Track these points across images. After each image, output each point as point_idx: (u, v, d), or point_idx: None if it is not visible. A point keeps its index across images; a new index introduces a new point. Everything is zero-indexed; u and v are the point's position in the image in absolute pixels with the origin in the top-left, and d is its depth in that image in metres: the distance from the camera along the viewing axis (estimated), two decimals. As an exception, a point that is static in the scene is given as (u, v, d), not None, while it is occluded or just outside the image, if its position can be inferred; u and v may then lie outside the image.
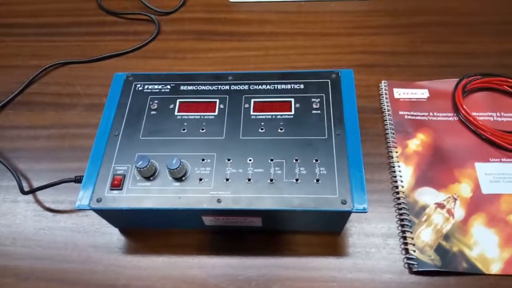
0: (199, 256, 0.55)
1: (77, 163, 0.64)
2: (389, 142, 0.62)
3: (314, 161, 0.51)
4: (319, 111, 0.55)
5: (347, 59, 0.74)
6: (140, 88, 0.60)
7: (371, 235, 0.55)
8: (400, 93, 0.67)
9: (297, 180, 0.50)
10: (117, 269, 0.54)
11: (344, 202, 0.48)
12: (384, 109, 0.65)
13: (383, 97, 0.67)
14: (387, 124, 0.64)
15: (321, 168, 0.51)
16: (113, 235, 0.58)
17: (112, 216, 0.55)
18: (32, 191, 0.61)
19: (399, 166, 0.59)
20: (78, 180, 0.56)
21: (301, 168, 0.51)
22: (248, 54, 0.78)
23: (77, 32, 0.85)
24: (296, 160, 0.52)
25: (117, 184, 0.51)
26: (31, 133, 0.69)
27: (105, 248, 0.56)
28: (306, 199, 0.49)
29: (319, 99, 0.57)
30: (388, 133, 0.63)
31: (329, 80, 0.58)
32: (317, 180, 0.50)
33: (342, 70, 0.59)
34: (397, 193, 0.57)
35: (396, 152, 0.61)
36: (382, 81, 0.69)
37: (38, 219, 0.59)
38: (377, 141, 0.63)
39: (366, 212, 0.47)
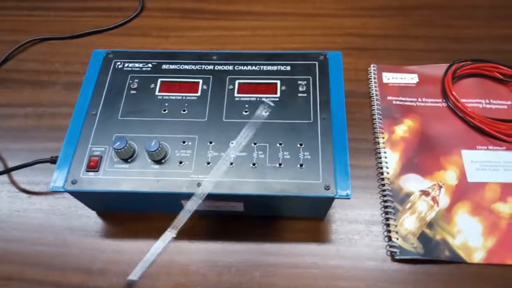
0: (179, 241, 0.53)
1: (54, 143, 0.61)
2: (376, 128, 0.60)
3: (298, 145, 0.50)
4: (305, 94, 0.54)
5: (336, 41, 0.72)
6: (120, 66, 0.58)
7: (355, 222, 0.54)
8: (389, 77, 0.66)
9: (280, 164, 0.49)
10: (94, 253, 0.53)
11: (327, 188, 0.47)
12: (372, 93, 0.64)
13: (371, 81, 0.65)
14: (374, 109, 0.62)
15: (305, 153, 0.49)
16: (90, 218, 0.56)
17: (89, 198, 0.53)
18: (7, 171, 0.58)
19: (385, 153, 0.58)
20: (54, 160, 0.54)
21: (285, 153, 0.49)
22: (235, 34, 0.75)
23: (59, 7, 0.81)
24: (280, 144, 0.50)
25: (93, 166, 0.49)
26: (7, 111, 0.66)
27: (81, 231, 0.55)
28: (289, 184, 0.47)
29: (305, 82, 0.55)
30: (375, 118, 0.61)
31: (316, 62, 0.56)
32: (301, 165, 0.48)
33: (330, 52, 0.57)
34: (382, 179, 0.56)
35: (383, 138, 0.59)
36: (371, 65, 0.67)
37: (13, 201, 0.57)
38: (364, 126, 0.62)
39: (349, 198, 0.46)
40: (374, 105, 0.63)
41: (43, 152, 0.59)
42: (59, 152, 0.51)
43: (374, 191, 0.56)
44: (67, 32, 0.76)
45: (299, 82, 0.55)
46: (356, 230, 0.53)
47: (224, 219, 0.55)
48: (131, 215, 0.56)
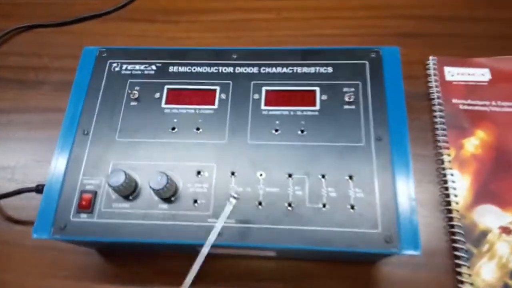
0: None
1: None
2: (439, 141, 0.48)
3: (346, 178, 0.38)
4: (353, 106, 0.41)
5: (382, 25, 0.58)
6: (116, 69, 0.46)
7: (415, 268, 0.43)
8: (453, 73, 0.52)
9: (324, 205, 0.37)
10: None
11: (388, 241, 0.35)
12: (433, 95, 0.51)
13: (431, 78, 0.52)
14: (436, 117, 0.49)
15: (356, 190, 0.38)
16: (85, 256, 0.46)
17: (82, 243, 0.43)
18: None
19: (452, 175, 0.46)
20: (40, 190, 0.44)
21: (329, 189, 0.38)
22: (257, 17, 0.62)
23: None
24: (323, 176, 0.38)
25: (85, 206, 0.39)
26: (-13, 118, 0.56)
27: (73, 273, 0.45)
28: (337, 234, 0.36)
29: (353, 89, 0.42)
30: (437, 128, 0.49)
31: (366, 62, 0.43)
32: (352, 207, 0.37)
33: (384, 47, 0.44)
34: (450, 211, 0.44)
35: (448, 155, 0.47)
36: (430, 57, 0.53)
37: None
38: (423, 139, 0.49)
39: (419, 255, 0.35)
40: (435, 110, 0.50)
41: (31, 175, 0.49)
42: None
43: (439, 227, 0.44)
44: (57, 18, 0.64)
45: (345, 89, 0.42)
46: (416, 279, 0.42)
47: (249, 260, 0.44)
48: (138, 253, 0.46)
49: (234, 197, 0.37)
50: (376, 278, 0.43)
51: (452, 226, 0.44)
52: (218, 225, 0.36)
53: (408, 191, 0.37)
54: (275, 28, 0.60)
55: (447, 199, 0.45)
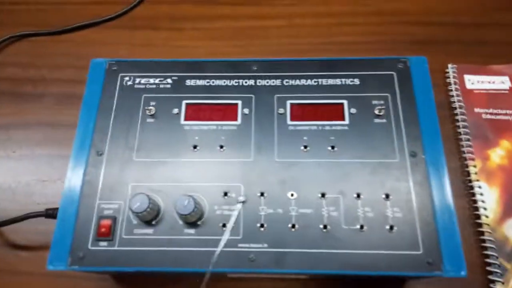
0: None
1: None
2: (464, 152, 0.47)
3: (383, 197, 0.36)
4: (384, 120, 0.40)
5: (397, 31, 0.57)
6: (129, 83, 0.43)
7: (446, 284, 0.41)
8: (474, 81, 0.51)
9: (362, 227, 0.36)
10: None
11: (430, 263, 0.34)
12: (455, 104, 0.50)
13: (451, 87, 0.51)
14: (459, 127, 0.48)
15: (395, 209, 0.36)
16: (105, 282, 0.43)
17: (101, 272, 0.40)
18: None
19: (479, 187, 0.45)
20: (50, 214, 0.40)
21: (366, 209, 0.36)
22: (267, 24, 0.59)
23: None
24: (358, 195, 0.37)
25: (105, 233, 0.36)
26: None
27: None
28: (376, 257, 0.34)
29: (382, 101, 0.41)
30: (461, 139, 0.48)
31: (394, 73, 0.42)
32: (391, 228, 0.35)
33: (412, 57, 0.43)
34: (479, 225, 0.43)
35: (474, 166, 0.46)
36: (449, 65, 0.52)
37: None
38: (447, 149, 0.46)
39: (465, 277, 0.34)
40: (458, 120, 0.49)
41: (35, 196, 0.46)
42: (56, 199, 0.38)
43: (470, 242, 0.43)
44: (53, 26, 0.60)
45: (374, 101, 0.41)
46: (450, 296, 0.41)
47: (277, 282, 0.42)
48: (156, 277, 0.43)
49: (241, 202, 0.36)
50: (408, 297, 0.41)
51: (483, 241, 0.42)
52: (226, 234, 0.35)
53: (447, 208, 0.36)
54: (286, 35, 0.58)
55: (476, 212, 0.44)
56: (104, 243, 0.36)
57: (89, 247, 0.36)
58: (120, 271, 0.36)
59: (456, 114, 0.49)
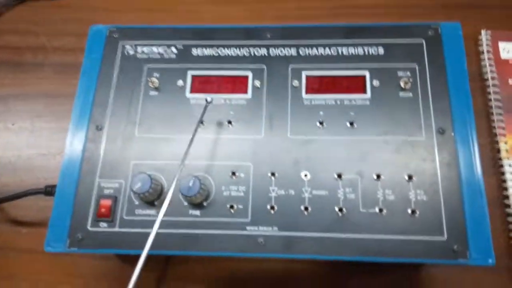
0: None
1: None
2: (495, 128, 0.43)
3: (406, 178, 0.33)
4: (410, 94, 0.36)
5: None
6: (131, 52, 0.40)
7: (470, 268, 0.39)
8: (509, 50, 0.46)
9: (381, 210, 0.33)
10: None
11: (456, 250, 0.31)
12: (487, 75, 0.45)
13: (483, 56, 0.46)
14: (491, 100, 0.44)
15: (418, 191, 0.33)
16: (108, 260, 0.42)
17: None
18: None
19: (510, 166, 0.41)
20: (49, 192, 0.38)
21: (386, 191, 0.33)
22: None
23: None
24: (378, 176, 0.33)
25: (105, 213, 0.34)
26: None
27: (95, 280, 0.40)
28: (396, 243, 0.32)
29: (409, 73, 0.36)
30: (492, 113, 0.43)
31: (423, 40, 0.38)
32: (413, 211, 0.32)
33: (444, 23, 0.38)
34: (508, 206, 0.40)
35: (505, 143, 0.42)
36: (482, 31, 0.47)
37: None
38: (476, 124, 0.44)
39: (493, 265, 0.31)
40: (490, 93, 0.44)
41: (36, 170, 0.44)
42: (55, 175, 0.36)
43: (497, 224, 0.40)
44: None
45: (400, 73, 0.37)
46: (475, 281, 0.38)
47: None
48: (161, 256, 0.41)
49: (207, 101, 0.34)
50: (426, 278, 0.39)
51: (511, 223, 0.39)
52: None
53: (477, 191, 0.32)
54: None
55: (506, 193, 0.40)
56: (104, 224, 0.34)
57: (89, 228, 0.34)
58: (121, 253, 0.34)
59: (488, 86, 0.44)
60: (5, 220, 0.43)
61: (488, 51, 0.46)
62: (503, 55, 0.46)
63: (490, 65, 0.45)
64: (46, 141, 0.47)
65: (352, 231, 0.32)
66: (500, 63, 0.45)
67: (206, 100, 0.35)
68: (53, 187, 0.37)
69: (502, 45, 0.46)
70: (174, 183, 0.30)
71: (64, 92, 0.49)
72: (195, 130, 0.34)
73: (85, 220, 0.34)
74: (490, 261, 0.31)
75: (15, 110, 0.49)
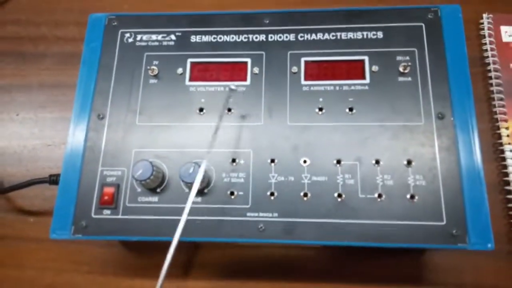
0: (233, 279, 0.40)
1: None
2: (496, 113, 0.43)
3: (405, 163, 0.33)
4: (410, 78, 0.36)
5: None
6: (130, 40, 0.40)
7: (470, 253, 0.39)
8: (511, 33, 0.46)
9: (379, 195, 0.33)
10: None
11: (455, 235, 0.31)
12: (488, 59, 0.45)
13: (485, 40, 0.46)
14: (492, 84, 0.44)
15: (417, 177, 0.33)
16: (112, 248, 0.42)
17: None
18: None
19: (511, 151, 0.41)
20: (53, 181, 0.39)
21: (385, 176, 0.33)
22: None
23: None
24: (377, 162, 0.34)
25: (108, 201, 0.34)
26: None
27: (100, 266, 0.41)
28: (395, 228, 0.32)
29: (408, 57, 0.36)
30: (494, 98, 0.43)
31: (422, 24, 0.37)
32: (412, 196, 0.33)
33: (444, 6, 0.38)
34: (508, 192, 0.40)
35: (507, 128, 0.42)
36: (484, 15, 0.47)
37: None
38: (477, 109, 0.43)
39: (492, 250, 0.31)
40: (491, 77, 0.44)
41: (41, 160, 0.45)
42: (58, 164, 0.36)
43: (498, 210, 0.40)
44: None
45: (399, 57, 0.36)
46: (475, 266, 0.39)
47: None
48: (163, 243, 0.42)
49: (232, 89, 0.34)
50: (426, 263, 0.39)
51: (511, 209, 0.39)
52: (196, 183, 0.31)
53: (476, 176, 0.33)
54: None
55: (506, 178, 0.40)
56: (108, 212, 0.34)
57: (92, 215, 0.34)
58: (125, 240, 0.35)
59: (489, 71, 0.44)
60: (12, 209, 0.44)
61: (489, 35, 0.45)
62: (505, 38, 0.45)
63: (491, 49, 0.45)
64: (50, 131, 0.47)
65: (351, 217, 0.33)
66: (502, 47, 0.45)
67: (230, 88, 0.34)
68: (57, 176, 0.38)
69: (504, 28, 0.46)
70: (203, 169, 0.31)
71: (66, 82, 0.49)
72: (220, 118, 0.34)
73: (89, 207, 0.34)
74: (489, 245, 0.31)
75: (18, 100, 0.49)
